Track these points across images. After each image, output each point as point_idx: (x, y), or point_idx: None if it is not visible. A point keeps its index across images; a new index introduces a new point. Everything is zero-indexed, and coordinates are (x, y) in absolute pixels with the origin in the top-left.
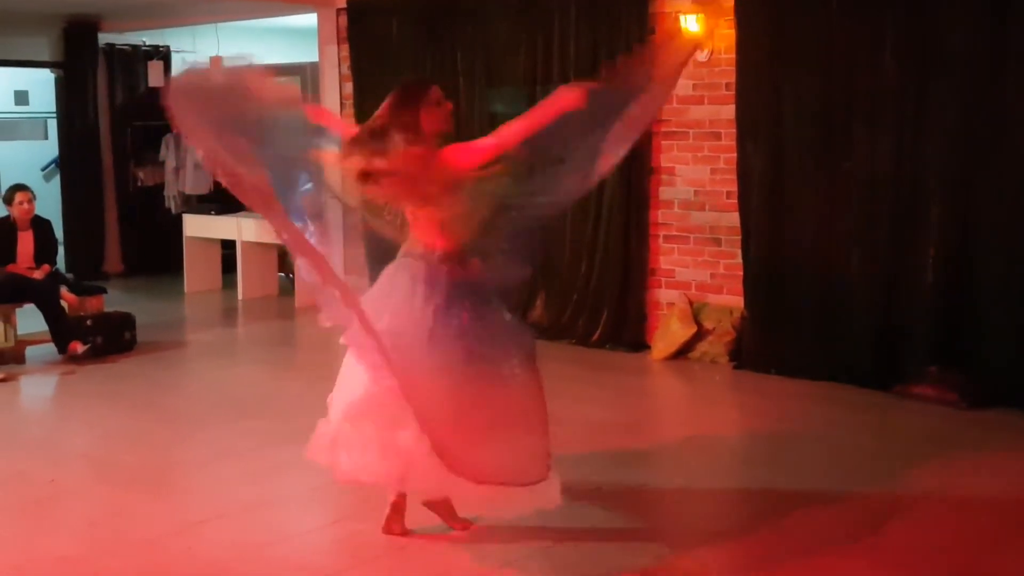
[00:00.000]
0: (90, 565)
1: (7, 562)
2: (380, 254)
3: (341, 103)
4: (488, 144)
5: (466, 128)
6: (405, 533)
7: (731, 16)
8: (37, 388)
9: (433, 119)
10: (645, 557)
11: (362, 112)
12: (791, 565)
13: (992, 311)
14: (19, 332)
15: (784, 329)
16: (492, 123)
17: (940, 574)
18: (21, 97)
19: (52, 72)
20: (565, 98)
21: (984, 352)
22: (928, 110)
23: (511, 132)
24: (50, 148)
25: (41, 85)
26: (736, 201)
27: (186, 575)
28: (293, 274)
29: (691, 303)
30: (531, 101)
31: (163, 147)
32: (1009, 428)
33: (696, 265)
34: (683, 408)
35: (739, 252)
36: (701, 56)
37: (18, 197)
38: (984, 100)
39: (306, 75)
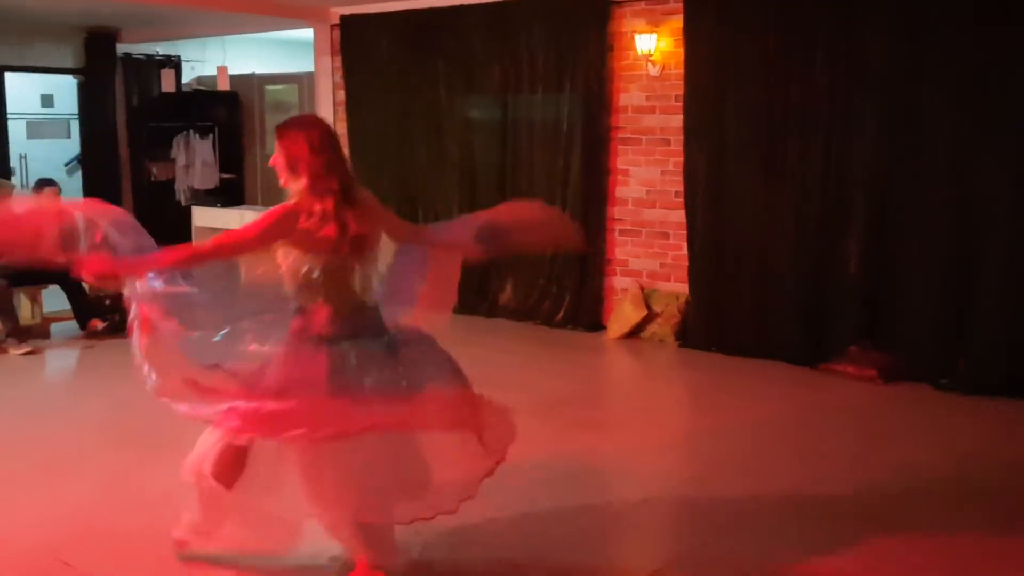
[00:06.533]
0: (106, 521)
1: (29, 517)
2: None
3: (335, 109)
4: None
5: (448, 133)
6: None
7: (680, 35)
8: (60, 360)
9: None
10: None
11: (354, 116)
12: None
13: (907, 298)
14: (44, 310)
15: (724, 312)
16: (468, 128)
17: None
18: (47, 100)
19: (75, 78)
20: (468, 246)
21: (899, 334)
22: (852, 118)
23: (428, 235)
24: (73, 146)
25: (65, 89)
26: (683, 200)
27: None
28: None
29: (642, 289)
30: (505, 108)
31: (174, 146)
32: (919, 400)
33: (647, 256)
34: (633, 381)
35: (685, 244)
36: (653, 71)
37: (45, 191)
38: (901, 109)
39: (303, 84)
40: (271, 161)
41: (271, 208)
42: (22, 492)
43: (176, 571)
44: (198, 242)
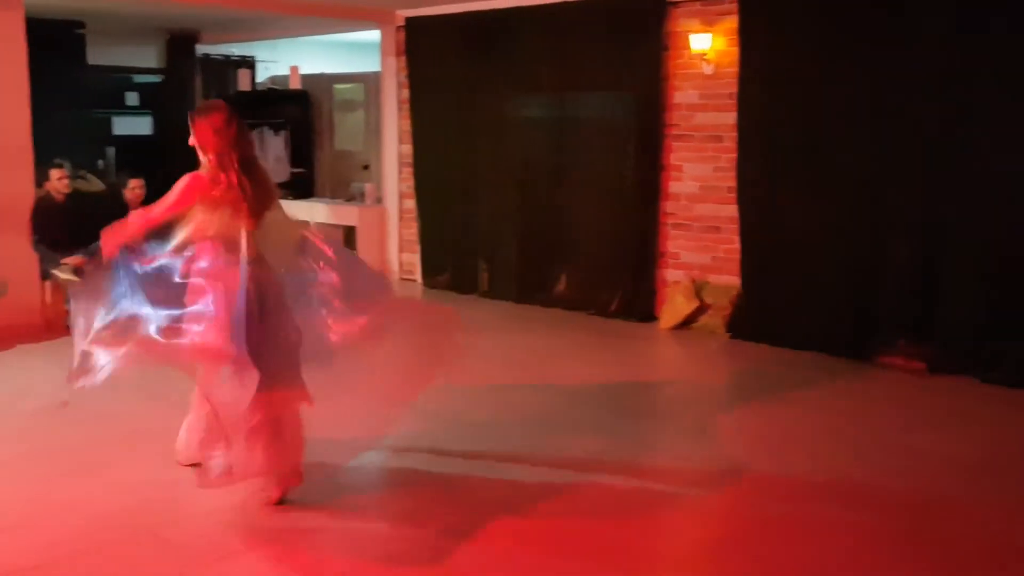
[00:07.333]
0: (177, 490)
1: (111, 483)
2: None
3: (399, 107)
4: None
5: (506, 129)
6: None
7: (734, 35)
8: None
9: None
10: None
11: (417, 112)
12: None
13: (951, 293)
14: None
15: (774, 305)
16: (526, 125)
17: (901, 516)
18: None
19: (157, 76)
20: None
21: (946, 329)
22: (903, 118)
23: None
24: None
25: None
26: (735, 195)
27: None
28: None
29: (694, 282)
30: (562, 107)
31: None
32: (964, 392)
33: (699, 249)
34: (682, 370)
35: (737, 239)
36: (707, 70)
37: (131, 183)
38: (952, 110)
39: (370, 83)
40: (190, 141)
41: (185, 177)
42: (109, 458)
43: (250, 542)
44: (133, 217)
